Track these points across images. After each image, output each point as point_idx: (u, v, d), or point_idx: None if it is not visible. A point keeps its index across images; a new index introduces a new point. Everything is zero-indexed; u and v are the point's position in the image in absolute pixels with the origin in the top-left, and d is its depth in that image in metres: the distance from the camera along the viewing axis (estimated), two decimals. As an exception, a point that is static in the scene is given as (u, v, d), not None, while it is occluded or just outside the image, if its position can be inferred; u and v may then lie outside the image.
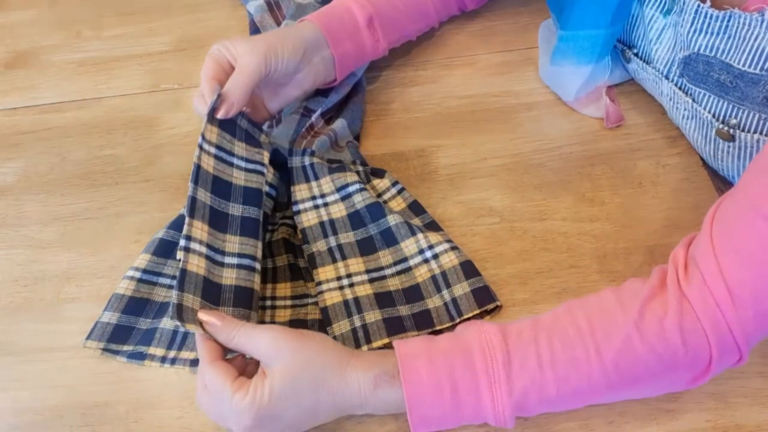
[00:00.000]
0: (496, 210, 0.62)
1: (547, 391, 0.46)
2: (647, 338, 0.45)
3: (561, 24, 0.65)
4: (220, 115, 0.56)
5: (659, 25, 0.60)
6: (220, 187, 0.56)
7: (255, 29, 0.78)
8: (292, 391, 0.46)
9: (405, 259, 0.58)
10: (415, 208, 0.62)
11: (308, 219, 0.61)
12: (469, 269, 0.57)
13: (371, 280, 0.57)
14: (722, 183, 0.62)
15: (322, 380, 0.46)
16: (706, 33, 0.54)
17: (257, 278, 0.54)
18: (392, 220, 0.59)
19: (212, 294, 0.51)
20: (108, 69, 0.79)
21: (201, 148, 0.55)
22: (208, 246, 0.52)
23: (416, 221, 0.61)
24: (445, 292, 0.56)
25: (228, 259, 0.53)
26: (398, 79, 0.74)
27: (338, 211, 0.61)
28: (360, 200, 0.61)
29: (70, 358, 0.57)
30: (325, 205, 0.61)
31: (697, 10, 0.54)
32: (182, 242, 0.51)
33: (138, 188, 0.67)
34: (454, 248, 0.58)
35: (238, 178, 0.57)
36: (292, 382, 0.46)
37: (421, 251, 0.58)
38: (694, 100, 0.58)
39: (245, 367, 0.50)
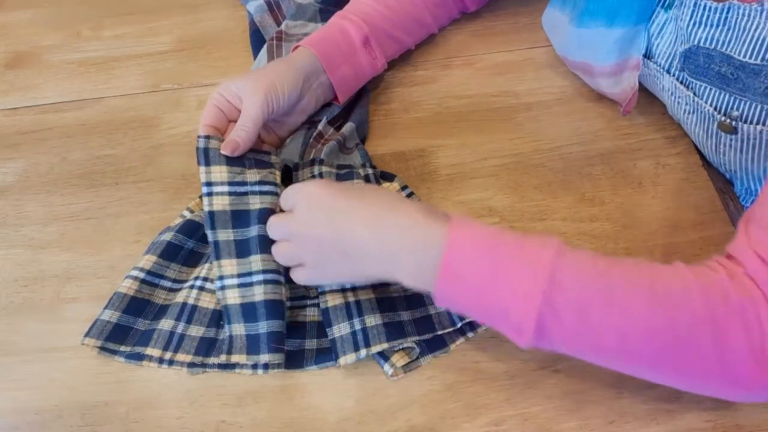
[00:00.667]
0: (496, 210, 0.62)
1: (585, 295, 0.43)
2: (702, 294, 0.43)
3: None
4: (227, 153, 0.58)
5: (660, 20, 0.60)
6: (240, 218, 0.57)
7: (255, 29, 0.78)
8: (359, 194, 0.51)
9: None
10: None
11: None
12: None
13: (374, 285, 0.57)
14: (722, 183, 0.62)
15: (380, 194, 0.51)
16: (706, 25, 0.54)
17: (283, 290, 0.55)
18: None
19: (251, 315, 0.54)
20: (108, 69, 0.79)
21: (210, 195, 0.57)
22: (239, 275, 0.55)
23: None
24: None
25: (255, 278, 0.55)
26: (398, 79, 0.74)
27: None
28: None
29: (70, 358, 0.57)
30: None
31: (696, 3, 0.54)
32: (217, 284, 0.56)
33: (138, 188, 0.67)
34: None
35: (254, 202, 0.58)
36: (353, 186, 0.54)
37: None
38: (695, 94, 0.58)
39: None
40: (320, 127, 0.67)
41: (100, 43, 0.82)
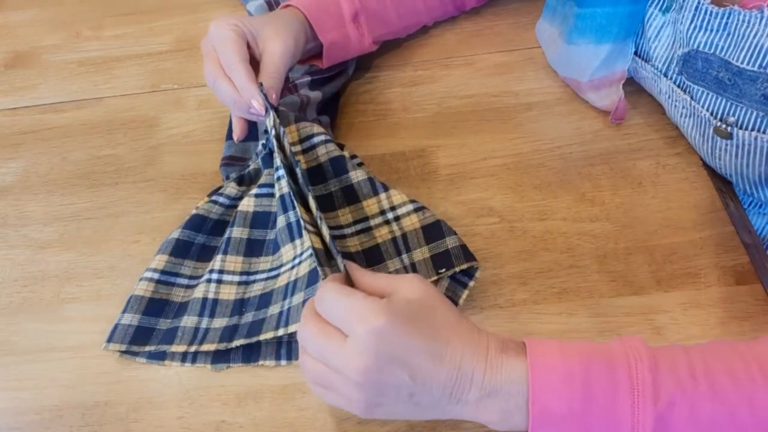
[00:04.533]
0: (496, 210, 0.62)
1: (699, 407, 0.38)
2: None
3: (578, 2, 0.64)
4: (275, 102, 0.56)
5: (658, 23, 0.60)
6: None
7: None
8: (429, 319, 0.41)
9: (366, 219, 0.57)
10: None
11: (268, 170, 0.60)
12: (433, 233, 0.55)
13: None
14: (722, 183, 0.62)
15: (459, 326, 0.41)
16: (706, 30, 0.54)
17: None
18: (355, 176, 0.58)
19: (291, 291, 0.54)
20: (108, 69, 0.79)
21: (291, 151, 0.55)
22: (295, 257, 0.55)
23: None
24: (404, 255, 0.56)
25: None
26: (398, 79, 0.74)
27: (304, 161, 0.60)
28: (324, 152, 0.59)
29: (70, 358, 0.57)
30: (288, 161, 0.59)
31: (697, 7, 0.54)
32: (285, 267, 0.55)
33: (138, 188, 0.67)
34: (418, 210, 0.57)
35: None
36: (431, 311, 0.41)
37: (383, 212, 0.57)
38: (692, 98, 0.58)
39: None
40: (297, 81, 0.65)
41: (100, 43, 0.82)
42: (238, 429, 0.52)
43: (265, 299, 0.56)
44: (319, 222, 0.52)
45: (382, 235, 0.57)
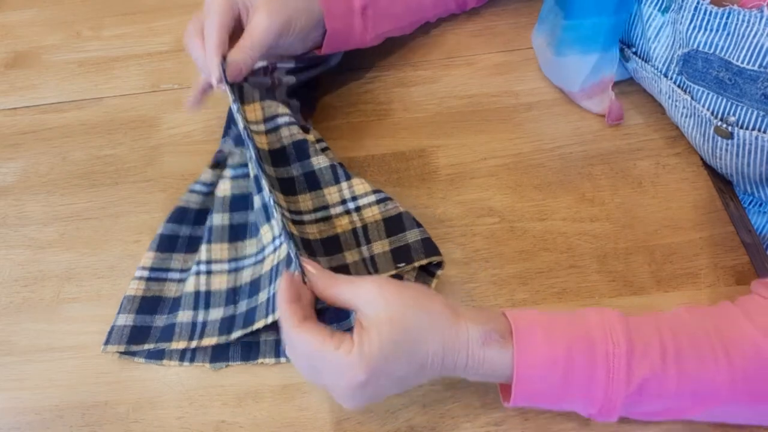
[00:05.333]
0: (496, 210, 0.62)
1: (666, 386, 0.43)
2: None
3: (565, 13, 0.64)
4: (230, 79, 0.55)
5: (657, 23, 0.60)
6: (280, 157, 0.56)
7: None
8: (404, 341, 0.42)
9: (326, 207, 0.56)
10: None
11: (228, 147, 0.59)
12: (394, 226, 0.54)
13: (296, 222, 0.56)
14: (722, 183, 0.62)
15: (434, 329, 0.43)
16: (706, 30, 0.54)
17: (337, 221, 0.55)
18: (317, 163, 0.57)
19: (309, 249, 0.53)
20: (108, 69, 0.79)
21: (249, 131, 0.54)
22: (290, 211, 0.54)
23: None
24: (364, 247, 0.55)
25: (306, 217, 0.55)
26: (398, 79, 0.74)
27: (261, 143, 0.58)
28: (287, 135, 0.57)
29: (70, 358, 0.57)
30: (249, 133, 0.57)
31: (696, 7, 0.54)
32: (270, 248, 0.53)
33: (138, 188, 0.67)
34: (381, 201, 0.56)
35: (286, 136, 0.56)
36: (403, 331, 0.42)
37: (344, 201, 0.56)
38: (692, 98, 0.58)
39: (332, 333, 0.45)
40: (278, 66, 0.64)
41: (100, 43, 0.82)
42: (238, 429, 0.52)
43: (255, 285, 0.55)
44: (272, 206, 0.51)
45: (342, 225, 0.55)
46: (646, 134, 0.66)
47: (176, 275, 0.58)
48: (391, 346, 0.42)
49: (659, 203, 0.61)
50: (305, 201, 0.57)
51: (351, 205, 0.56)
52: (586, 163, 0.65)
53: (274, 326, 0.55)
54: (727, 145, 0.57)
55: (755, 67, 0.51)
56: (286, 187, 0.57)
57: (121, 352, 0.55)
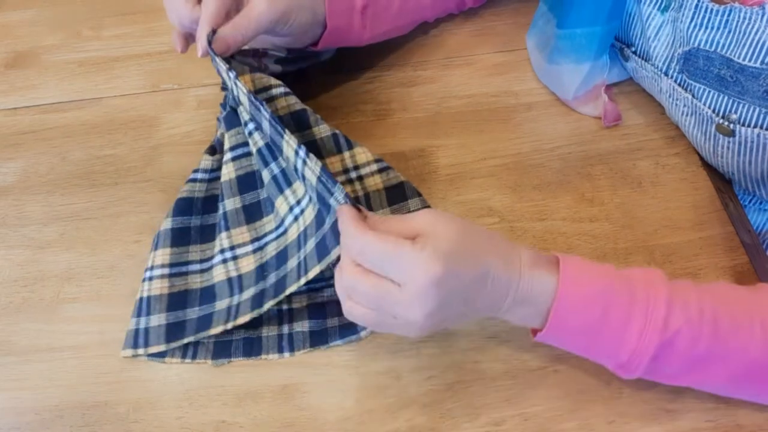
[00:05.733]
0: (496, 210, 0.62)
1: (698, 342, 0.43)
2: None
3: (558, 23, 0.65)
4: (215, 50, 0.55)
5: (657, 22, 0.60)
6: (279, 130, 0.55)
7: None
8: (470, 243, 0.43)
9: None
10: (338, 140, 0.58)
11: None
12: (396, 195, 0.55)
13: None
14: (722, 183, 0.62)
15: (493, 242, 0.45)
16: (707, 28, 0.54)
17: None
18: (318, 132, 0.56)
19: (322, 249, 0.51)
20: (108, 69, 0.79)
21: (254, 95, 0.53)
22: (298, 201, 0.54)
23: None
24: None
25: (300, 204, 0.54)
26: (398, 79, 0.74)
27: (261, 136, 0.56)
28: (284, 105, 0.56)
29: (70, 358, 0.57)
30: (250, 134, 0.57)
31: (697, 5, 0.54)
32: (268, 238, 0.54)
33: (138, 188, 0.67)
34: (382, 170, 0.56)
35: (279, 108, 0.55)
36: (468, 236, 0.43)
37: (346, 170, 0.55)
38: (693, 96, 0.58)
39: None
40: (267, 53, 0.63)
41: (100, 43, 0.82)
42: (238, 429, 0.52)
43: (282, 256, 0.55)
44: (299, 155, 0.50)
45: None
46: (646, 134, 0.66)
47: (197, 266, 0.58)
48: (459, 246, 0.42)
49: (659, 203, 0.61)
50: (307, 171, 0.56)
51: (353, 174, 0.55)
52: (586, 163, 0.65)
53: (276, 321, 0.55)
54: (729, 143, 0.57)
55: (757, 65, 0.51)
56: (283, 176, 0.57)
57: (149, 355, 0.55)
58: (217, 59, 0.55)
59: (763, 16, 0.50)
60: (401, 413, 0.52)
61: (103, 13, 0.86)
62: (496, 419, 0.51)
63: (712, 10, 0.53)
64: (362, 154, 0.56)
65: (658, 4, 0.59)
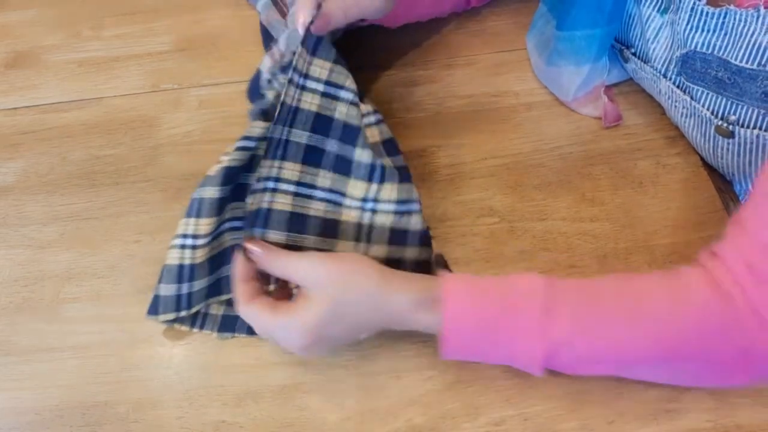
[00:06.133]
0: (497, 210, 0.62)
1: (579, 345, 0.47)
2: (686, 312, 0.46)
3: (557, 25, 0.65)
4: (314, 30, 0.52)
5: (656, 24, 0.60)
6: (322, 123, 0.54)
7: (264, 29, 0.78)
8: (336, 314, 0.47)
9: (342, 194, 0.54)
10: (389, 147, 0.57)
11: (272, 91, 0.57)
12: (399, 238, 0.54)
13: (296, 194, 0.53)
14: (722, 183, 0.62)
15: (364, 303, 0.48)
16: (703, 30, 0.54)
17: (346, 212, 0.54)
18: (359, 155, 0.54)
19: (298, 225, 0.52)
20: (108, 69, 0.79)
21: (303, 88, 0.53)
22: (298, 183, 0.53)
23: (387, 161, 0.55)
24: (362, 244, 0.54)
25: (318, 193, 0.53)
26: (399, 79, 0.74)
27: (310, 103, 0.54)
28: (343, 112, 0.54)
29: (70, 358, 0.57)
30: (302, 88, 0.54)
31: (693, 8, 0.54)
32: (270, 184, 0.52)
33: (138, 188, 0.67)
34: (399, 213, 0.54)
35: (341, 112, 0.54)
36: (334, 307, 0.47)
37: (364, 200, 0.54)
38: (692, 98, 0.58)
39: (289, 296, 0.52)
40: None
41: (100, 43, 0.82)
42: (238, 429, 0.52)
43: (331, 227, 0.53)
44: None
45: (350, 216, 0.54)
46: (646, 134, 0.66)
47: (226, 225, 0.57)
48: (325, 319, 0.47)
49: (659, 203, 0.61)
50: (324, 178, 0.54)
51: (369, 205, 0.54)
52: (586, 163, 0.65)
53: None
54: (729, 144, 0.57)
55: (754, 66, 0.51)
56: (312, 157, 0.54)
57: (168, 321, 0.55)
58: (301, 32, 0.53)
59: (758, 18, 0.50)
60: (401, 413, 0.52)
61: (103, 13, 0.86)
62: (496, 419, 0.51)
63: (707, 12, 0.53)
64: (388, 191, 0.55)
65: (658, 5, 0.59)
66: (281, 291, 0.53)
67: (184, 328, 0.56)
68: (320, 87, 0.54)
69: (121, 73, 0.79)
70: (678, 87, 0.60)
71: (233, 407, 0.53)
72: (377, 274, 0.48)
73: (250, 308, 0.49)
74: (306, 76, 0.53)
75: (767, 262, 0.44)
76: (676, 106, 0.61)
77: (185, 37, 0.82)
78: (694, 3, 0.53)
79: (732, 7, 0.51)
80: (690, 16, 0.54)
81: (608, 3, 0.61)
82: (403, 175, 0.55)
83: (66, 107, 0.76)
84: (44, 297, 0.61)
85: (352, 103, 0.55)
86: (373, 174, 0.55)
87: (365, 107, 0.57)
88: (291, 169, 0.52)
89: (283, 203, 0.52)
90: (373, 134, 0.57)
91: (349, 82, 0.55)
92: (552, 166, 0.65)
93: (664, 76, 0.61)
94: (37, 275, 0.62)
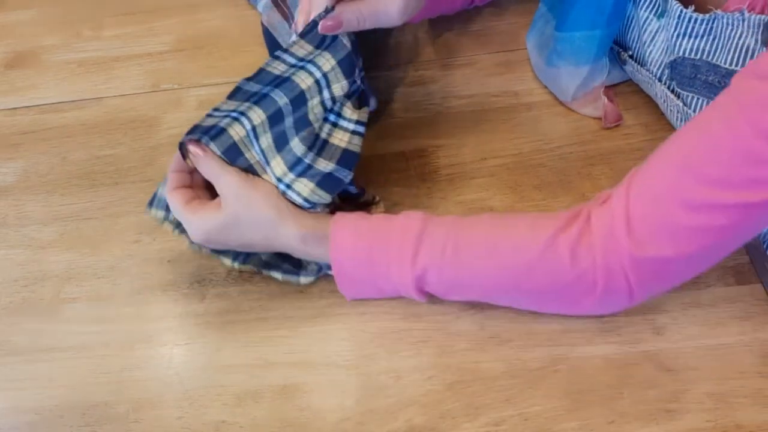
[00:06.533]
0: (496, 210, 0.62)
1: (445, 274, 0.52)
2: (543, 256, 0.49)
3: (557, 26, 0.65)
4: (322, 30, 0.53)
5: (653, 28, 0.60)
6: (299, 102, 0.56)
7: (266, 30, 0.78)
8: (230, 227, 0.54)
9: (267, 162, 0.56)
10: (346, 157, 0.57)
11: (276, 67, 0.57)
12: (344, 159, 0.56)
13: (246, 134, 0.56)
14: (722, 183, 0.62)
15: (257, 228, 0.54)
16: (691, 36, 0.55)
17: (266, 177, 0.56)
18: (294, 145, 0.55)
19: (233, 154, 0.56)
20: (108, 69, 0.79)
21: (302, 68, 0.56)
22: (253, 128, 0.56)
23: (322, 163, 0.56)
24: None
25: (256, 147, 0.56)
26: (399, 79, 0.74)
27: (302, 80, 0.56)
28: (314, 104, 0.56)
29: (70, 358, 0.57)
30: (302, 68, 0.57)
31: (680, 15, 0.55)
32: (235, 114, 0.56)
33: (138, 188, 0.67)
34: (356, 133, 0.57)
35: (313, 103, 0.56)
36: (232, 221, 0.54)
37: (279, 180, 0.55)
38: (684, 104, 0.58)
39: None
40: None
41: (100, 43, 0.82)
42: (238, 429, 0.52)
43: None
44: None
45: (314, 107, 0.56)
46: (646, 134, 0.66)
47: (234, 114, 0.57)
48: (224, 226, 0.54)
49: (659, 203, 0.61)
50: (266, 140, 0.56)
51: (281, 186, 0.55)
52: (586, 163, 0.65)
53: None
54: None
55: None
56: (275, 118, 0.56)
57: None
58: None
59: (743, 21, 0.51)
60: (401, 413, 0.52)
61: (103, 13, 0.86)
62: (496, 419, 0.51)
63: (696, 19, 0.54)
64: (349, 111, 0.57)
65: (655, 9, 0.60)
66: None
67: (226, 260, 0.59)
68: (317, 74, 0.56)
69: (120, 74, 0.79)
70: (671, 91, 0.60)
71: (233, 407, 0.53)
72: (274, 209, 0.54)
73: (172, 195, 0.55)
74: (311, 62, 0.56)
75: (627, 197, 0.48)
76: (670, 110, 0.62)
77: (185, 37, 0.82)
78: (682, 10, 0.54)
79: (719, 11, 0.52)
80: (677, 22, 0.55)
81: (608, 5, 0.61)
82: (327, 183, 0.56)
83: (66, 107, 0.76)
84: (44, 297, 0.61)
85: (323, 103, 0.56)
86: (295, 166, 0.55)
87: (354, 114, 0.57)
88: (257, 114, 0.56)
89: (235, 132, 0.56)
90: (342, 139, 0.58)
91: (338, 89, 0.56)
92: (552, 166, 0.65)
93: (659, 80, 0.61)
94: (37, 275, 0.62)
